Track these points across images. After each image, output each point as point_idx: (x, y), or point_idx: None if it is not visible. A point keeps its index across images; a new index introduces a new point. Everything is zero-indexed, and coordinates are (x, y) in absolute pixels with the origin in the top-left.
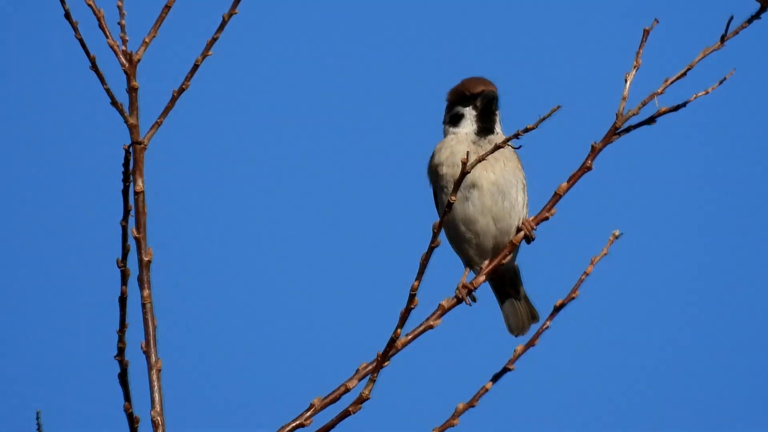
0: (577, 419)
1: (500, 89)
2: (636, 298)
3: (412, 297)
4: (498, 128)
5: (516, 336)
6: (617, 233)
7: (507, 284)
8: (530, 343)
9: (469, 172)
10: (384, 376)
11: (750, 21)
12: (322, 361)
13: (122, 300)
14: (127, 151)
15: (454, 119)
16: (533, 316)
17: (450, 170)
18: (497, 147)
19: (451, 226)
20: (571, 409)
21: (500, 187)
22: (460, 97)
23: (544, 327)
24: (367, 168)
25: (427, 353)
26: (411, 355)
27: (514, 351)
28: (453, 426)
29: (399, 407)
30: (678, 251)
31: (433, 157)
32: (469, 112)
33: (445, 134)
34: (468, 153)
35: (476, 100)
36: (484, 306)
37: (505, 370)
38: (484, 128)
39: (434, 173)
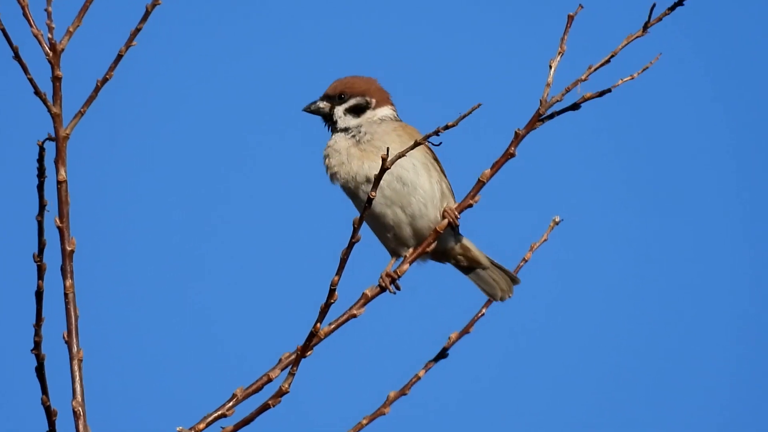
0: (511, 406)
1: (396, 83)
2: (569, 283)
3: (332, 292)
4: (345, 123)
5: (501, 300)
6: (557, 219)
7: (459, 260)
8: (464, 331)
9: (390, 168)
10: (313, 365)
11: (673, 8)
12: (245, 352)
13: (38, 294)
14: (41, 147)
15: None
16: (512, 279)
17: (339, 169)
18: (417, 143)
19: (368, 221)
20: (505, 396)
21: (395, 174)
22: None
23: (480, 314)
24: (292, 160)
25: (356, 342)
26: (339, 344)
27: (448, 338)
28: (384, 414)
29: (329, 396)
30: (603, 235)
31: (324, 162)
32: (335, 114)
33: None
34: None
35: (334, 102)
36: (419, 293)
37: (439, 357)
38: (347, 125)
39: (329, 176)
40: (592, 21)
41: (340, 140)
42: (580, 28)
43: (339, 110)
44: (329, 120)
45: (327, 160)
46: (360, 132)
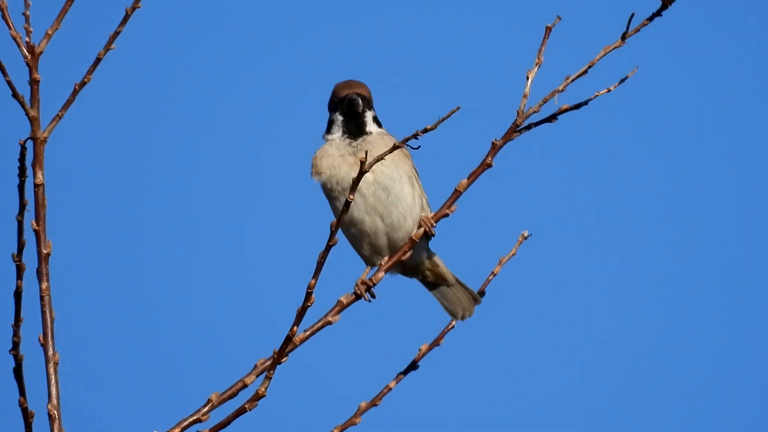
0: (482, 419)
1: (376, 88)
2: (541, 296)
3: (308, 295)
4: (371, 128)
5: (461, 320)
6: (526, 234)
7: (426, 275)
8: (435, 343)
9: (368, 171)
10: (285, 372)
11: (651, 19)
12: (220, 357)
13: (17, 294)
14: (22, 146)
15: (328, 126)
16: (474, 299)
17: (328, 173)
18: (396, 147)
19: (344, 228)
20: (475, 408)
21: (380, 183)
22: (331, 103)
23: (450, 327)
24: (268, 165)
25: (328, 350)
26: (312, 352)
27: (419, 350)
28: (355, 425)
29: (300, 404)
30: (578, 248)
31: (312, 165)
32: (337, 118)
33: (325, 141)
34: (342, 156)
35: (342, 105)
36: (391, 303)
37: (410, 368)
38: (355, 131)
39: (317, 181)
40: (570, 32)
41: (336, 145)
42: (559, 38)
43: (369, 115)
44: (352, 116)
45: (319, 161)
46: (363, 141)
